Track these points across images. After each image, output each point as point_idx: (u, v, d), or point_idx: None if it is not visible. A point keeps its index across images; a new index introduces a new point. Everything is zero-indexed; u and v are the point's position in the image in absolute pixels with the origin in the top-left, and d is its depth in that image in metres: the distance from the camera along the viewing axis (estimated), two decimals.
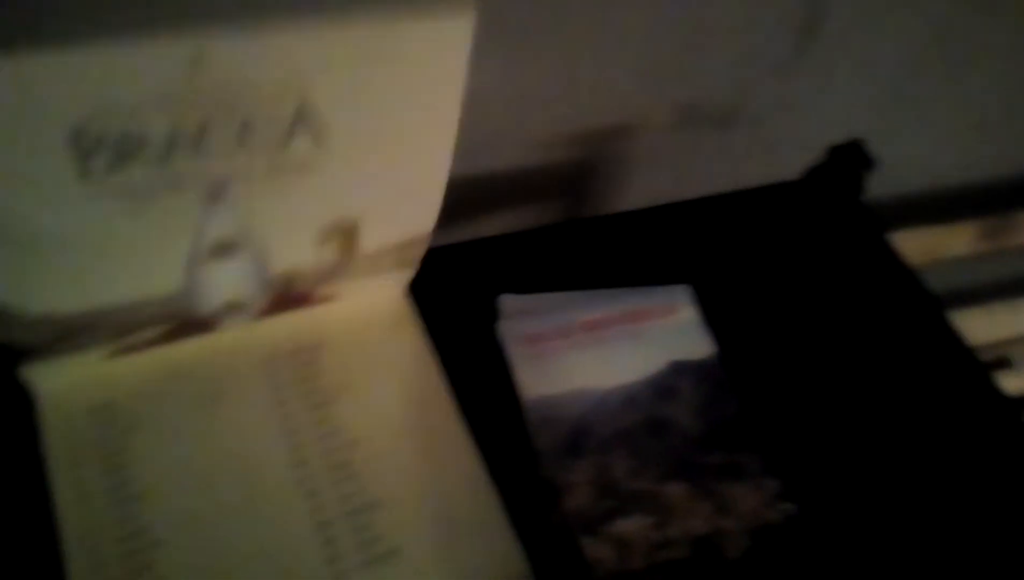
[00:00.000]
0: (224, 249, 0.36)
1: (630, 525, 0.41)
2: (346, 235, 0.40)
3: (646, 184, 0.64)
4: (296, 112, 0.32)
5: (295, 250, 0.39)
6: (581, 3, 0.50)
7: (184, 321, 0.40)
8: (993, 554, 0.43)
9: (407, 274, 0.46)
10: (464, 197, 0.60)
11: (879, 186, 0.58)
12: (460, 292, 0.48)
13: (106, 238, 0.33)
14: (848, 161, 0.57)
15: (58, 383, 0.40)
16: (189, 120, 0.31)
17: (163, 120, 0.30)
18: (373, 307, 0.46)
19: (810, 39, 0.57)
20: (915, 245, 0.72)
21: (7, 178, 0.29)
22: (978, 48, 0.65)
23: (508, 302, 0.48)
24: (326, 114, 0.34)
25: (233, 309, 0.40)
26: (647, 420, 0.44)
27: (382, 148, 0.37)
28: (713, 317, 0.49)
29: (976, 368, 0.50)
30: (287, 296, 0.42)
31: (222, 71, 0.29)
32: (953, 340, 0.51)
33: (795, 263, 0.54)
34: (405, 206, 0.41)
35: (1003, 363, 0.98)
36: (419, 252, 0.44)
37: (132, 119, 0.29)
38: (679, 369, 0.46)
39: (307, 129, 0.33)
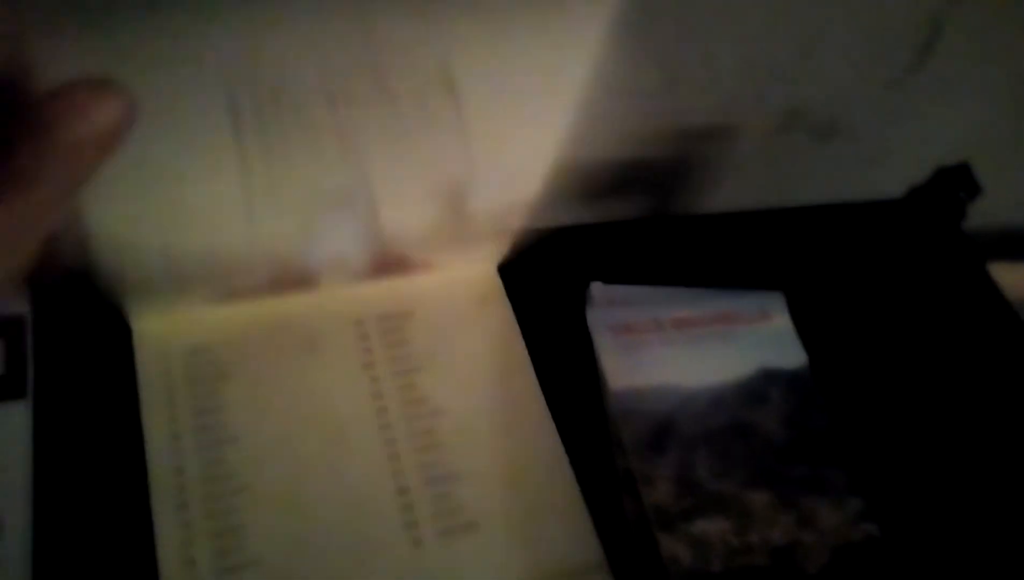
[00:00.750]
0: (339, 201, 0.36)
1: (709, 526, 0.40)
2: (453, 196, 0.40)
3: (741, 188, 0.63)
4: (434, 68, 0.32)
5: (404, 208, 0.39)
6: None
7: (289, 273, 0.40)
8: None
9: (502, 247, 0.46)
10: (557, 185, 0.60)
11: (982, 215, 0.57)
12: (551, 277, 0.48)
13: (234, 178, 0.33)
14: (953, 184, 0.55)
15: (159, 323, 0.41)
16: (330, 74, 0.31)
17: (309, 72, 0.30)
18: (466, 281, 0.46)
19: (927, 56, 0.56)
20: (1017, 279, 0.70)
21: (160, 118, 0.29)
22: None
23: (598, 290, 0.47)
24: (460, 72, 0.34)
25: (337, 264, 0.41)
26: (734, 423, 0.43)
27: (504, 111, 0.37)
28: (804, 328, 0.48)
29: None
30: (388, 258, 0.42)
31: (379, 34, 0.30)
32: None
33: (890, 282, 0.52)
34: (511, 172, 0.41)
35: None
36: (517, 222, 0.44)
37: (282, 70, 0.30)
38: (769, 376, 0.45)
39: (440, 86, 0.33)
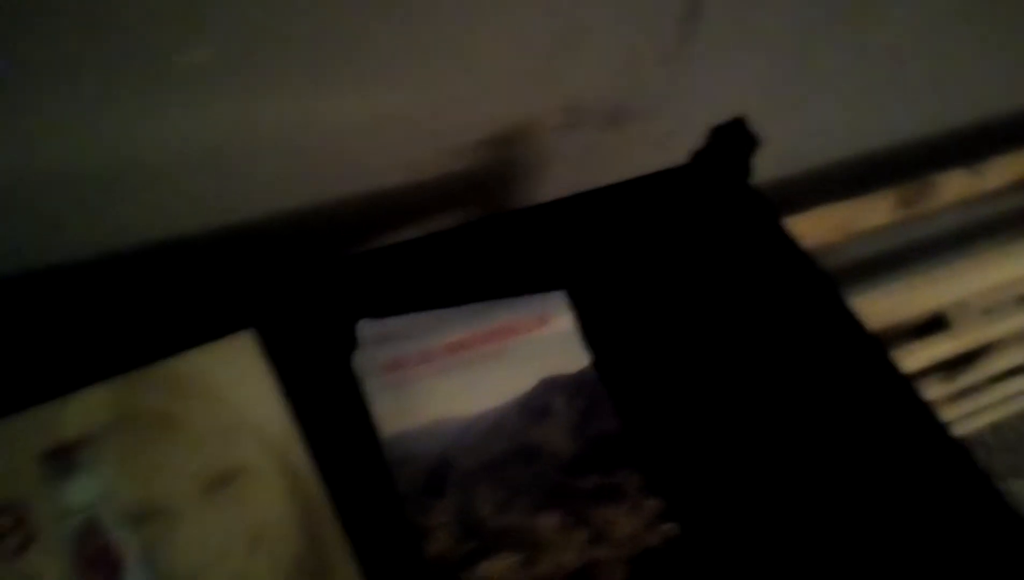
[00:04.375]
0: None
1: (495, 566, 0.37)
2: None
3: (549, 187, 0.60)
4: None
5: None
6: (444, 21, 0.47)
7: None
8: (889, 557, 0.41)
9: None
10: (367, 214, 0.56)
11: (785, 164, 0.55)
12: (318, 318, 0.45)
13: None
14: (731, 141, 0.53)
15: None
16: None
17: None
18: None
19: (693, 24, 0.54)
20: (832, 221, 0.69)
21: None
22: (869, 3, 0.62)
23: (367, 327, 0.44)
24: None
25: None
26: (515, 447, 0.41)
27: None
28: (592, 324, 0.46)
29: (876, 354, 0.47)
30: None
31: None
32: (851, 322, 0.49)
33: (683, 256, 0.50)
34: None
35: (940, 324, 0.96)
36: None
37: None
38: (551, 386, 0.43)
39: None
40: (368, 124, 0.50)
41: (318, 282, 0.46)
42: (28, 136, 0.42)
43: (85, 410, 0.40)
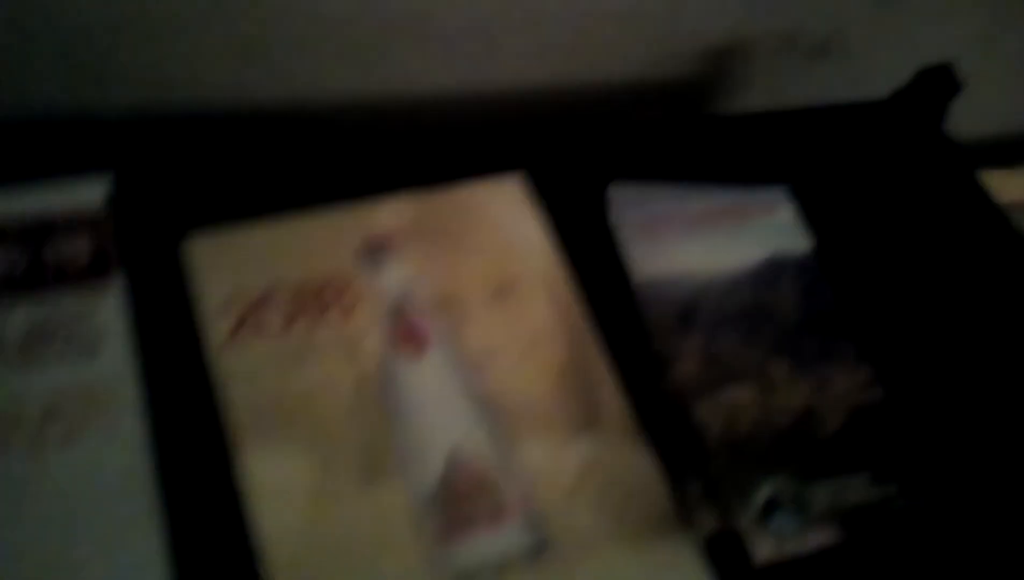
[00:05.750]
0: None
1: (737, 394, 0.44)
2: None
3: (745, 105, 0.66)
4: None
5: None
6: None
7: None
8: None
9: None
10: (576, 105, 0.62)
11: (973, 123, 0.60)
12: (572, 177, 0.50)
13: None
14: (935, 84, 0.59)
15: None
16: None
17: None
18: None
19: None
20: (1005, 184, 0.73)
21: None
22: None
23: (620, 189, 0.50)
24: None
25: None
26: (750, 305, 0.47)
27: None
28: (805, 219, 0.51)
29: None
30: None
31: None
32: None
33: (879, 178, 0.56)
34: None
35: None
36: None
37: None
38: (779, 262, 0.49)
39: None
40: (625, 12, 0.56)
41: (576, 139, 0.52)
42: None
43: (392, 213, 0.46)
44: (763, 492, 0.41)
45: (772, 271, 0.48)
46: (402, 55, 0.55)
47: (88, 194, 0.42)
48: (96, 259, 0.40)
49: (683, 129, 0.55)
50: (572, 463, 0.41)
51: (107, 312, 0.38)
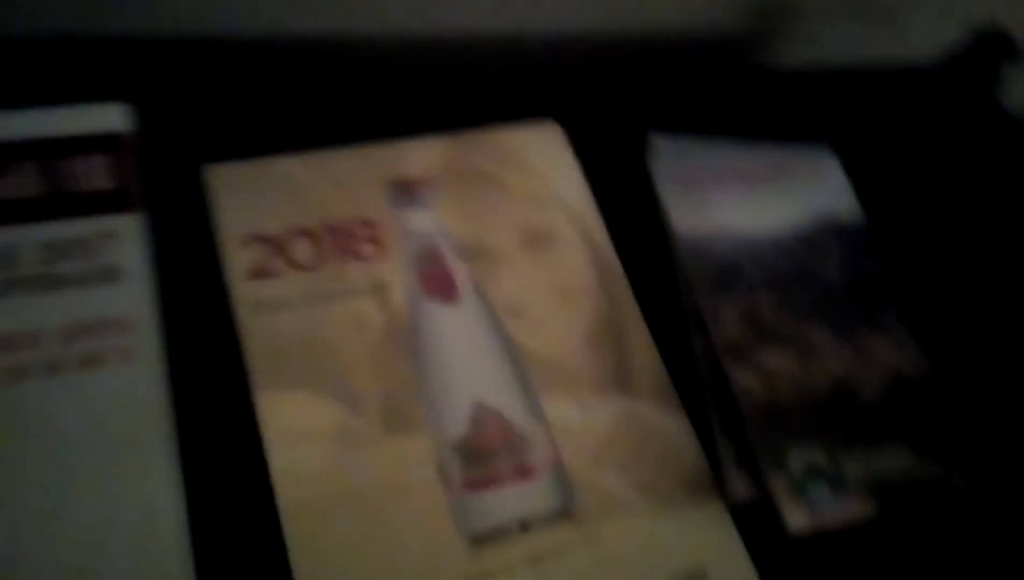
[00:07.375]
0: None
1: (775, 358, 0.42)
2: None
3: (791, 64, 0.63)
4: None
5: None
6: None
7: None
8: None
9: None
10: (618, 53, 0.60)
11: None
12: (612, 125, 0.48)
13: None
14: (992, 49, 0.56)
15: None
16: None
17: None
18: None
19: None
20: None
21: None
22: None
23: (659, 140, 0.48)
24: None
25: None
26: (793, 266, 0.45)
27: None
28: (851, 181, 0.49)
29: None
30: None
31: None
32: None
33: (930, 141, 0.54)
34: None
35: None
36: None
37: None
38: (825, 224, 0.47)
39: None
40: None
41: (615, 88, 0.50)
42: None
43: (423, 155, 0.44)
44: (799, 460, 0.40)
45: (818, 233, 0.47)
46: None
47: (111, 120, 0.40)
48: (117, 186, 0.38)
49: (728, 82, 0.52)
50: (603, 422, 0.40)
51: (128, 240, 0.37)
